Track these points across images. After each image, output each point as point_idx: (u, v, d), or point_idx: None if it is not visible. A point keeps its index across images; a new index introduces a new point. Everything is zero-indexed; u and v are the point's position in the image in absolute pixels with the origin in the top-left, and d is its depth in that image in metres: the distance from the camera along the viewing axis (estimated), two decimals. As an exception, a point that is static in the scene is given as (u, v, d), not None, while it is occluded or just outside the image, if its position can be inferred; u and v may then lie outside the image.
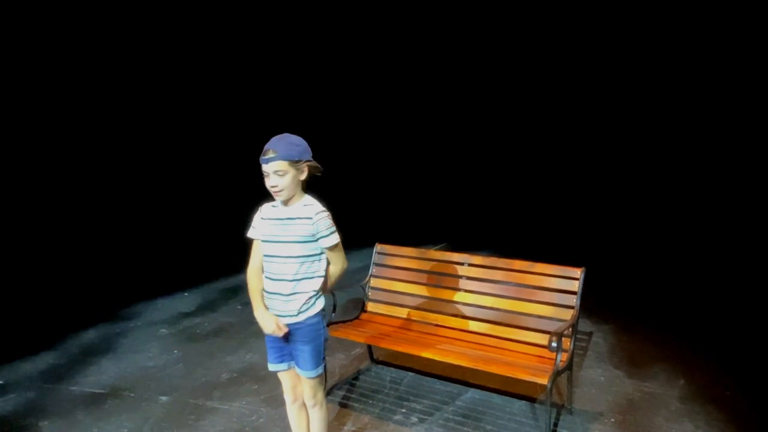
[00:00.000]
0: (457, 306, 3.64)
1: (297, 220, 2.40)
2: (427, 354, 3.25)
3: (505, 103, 9.12)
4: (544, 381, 2.88)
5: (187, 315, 5.32)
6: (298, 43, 8.33)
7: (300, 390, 2.64)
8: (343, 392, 3.73)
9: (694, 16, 7.30)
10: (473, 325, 3.55)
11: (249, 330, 4.87)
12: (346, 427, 3.33)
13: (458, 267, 3.69)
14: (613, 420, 3.37)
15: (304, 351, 2.49)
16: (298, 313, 2.44)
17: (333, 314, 3.60)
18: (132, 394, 3.80)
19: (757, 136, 7.17)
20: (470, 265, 3.67)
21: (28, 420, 3.51)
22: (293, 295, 2.43)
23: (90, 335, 4.89)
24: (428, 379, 3.87)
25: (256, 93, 8.08)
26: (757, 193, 6.97)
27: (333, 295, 3.58)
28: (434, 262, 3.78)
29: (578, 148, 8.67)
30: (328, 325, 3.58)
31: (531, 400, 3.58)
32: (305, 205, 2.43)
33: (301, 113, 8.44)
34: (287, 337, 2.49)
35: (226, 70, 7.48)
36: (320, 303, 2.51)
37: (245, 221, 2.55)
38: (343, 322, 3.78)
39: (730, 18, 7.06)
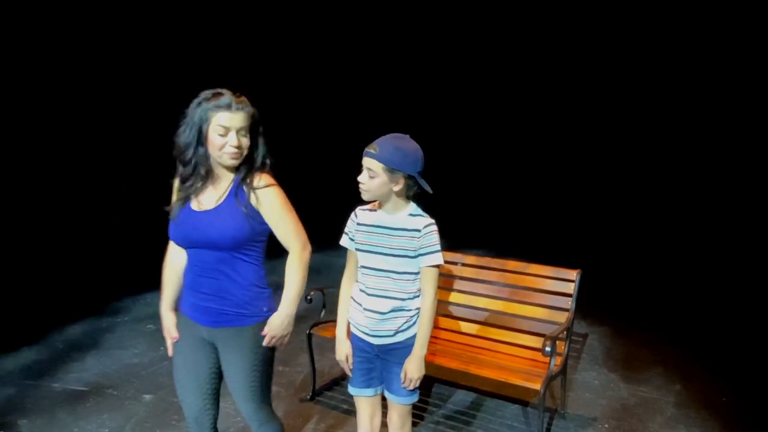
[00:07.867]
0: (449, 306, 3.55)
1: (402, 231, 2.13)
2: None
3: (501, 100, 9.02)
4: (537, 386, 2.80)
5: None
6: (291, 41, 8.24)
7: (378, 421, 2.37)
8: (332, 393, 3.65)
9: (692, 16, 7.22)
10: (465, 327, 3.47)
11: (238, 327, 4.78)
12: (333, 429, 3.26)
13: (451, 266, 3.61)
14: (607, 425, 3.31)
15: (400, 374, 2.23)
16: (396, 333, 2.19)
17: (324, 311, 3.52)
18: (115, 392, 3.71)
19: (755, 138, 7.11)
20: (463, 264, 3.58)
21: (6, 418, 3.40)
22: (392, 313, 2.17)
23: (75, 330, 4.79)
24: (419, 380, 3.79)
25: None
26: (755, 196, 6.91)
27: (323, 293, 3.50)
28: (427, 261, 3.68)
29: (576, 148, 8.59)
30: (316, 324, 3.54)
31: (524, 403, 3.51)
32: (411, 215, 2.16)
33: (287, 111, 8.35)
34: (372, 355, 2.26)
35: (213, 73, 7.39)
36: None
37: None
38: (333, 321, 3.68)
39: (728, 18, 6.99)
